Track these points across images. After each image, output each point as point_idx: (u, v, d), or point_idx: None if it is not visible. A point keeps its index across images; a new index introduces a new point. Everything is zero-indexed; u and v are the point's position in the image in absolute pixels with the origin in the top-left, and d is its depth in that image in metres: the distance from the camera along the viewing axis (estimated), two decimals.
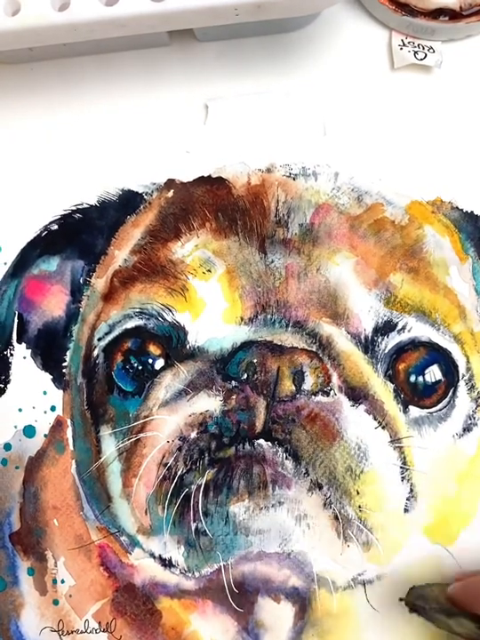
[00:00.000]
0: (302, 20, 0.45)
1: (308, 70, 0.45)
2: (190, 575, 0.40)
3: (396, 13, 0.43)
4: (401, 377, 0.40)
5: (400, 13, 0.43)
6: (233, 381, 0.39)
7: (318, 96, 0.45)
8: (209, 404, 0.39)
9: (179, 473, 0.39)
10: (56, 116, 0.46)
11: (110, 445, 0.41)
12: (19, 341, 0.43)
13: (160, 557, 0.40)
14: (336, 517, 0.39)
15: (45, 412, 0.42)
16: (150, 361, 0.41)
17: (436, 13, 0.43)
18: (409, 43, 0.44)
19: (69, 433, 0.42)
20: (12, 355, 0.43)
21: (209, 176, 0.44)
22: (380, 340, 0.41)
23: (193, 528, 0.40)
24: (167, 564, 0.40)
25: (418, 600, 0.38)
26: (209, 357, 0.40)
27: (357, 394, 0.40)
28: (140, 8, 0.37)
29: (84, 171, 0.44)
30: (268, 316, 0.41)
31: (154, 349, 0.41)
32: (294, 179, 0.43)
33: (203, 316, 0.41)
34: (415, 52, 0.44)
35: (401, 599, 0.39)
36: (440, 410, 0.40)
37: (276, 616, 0.39)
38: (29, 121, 0.46)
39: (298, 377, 0.39)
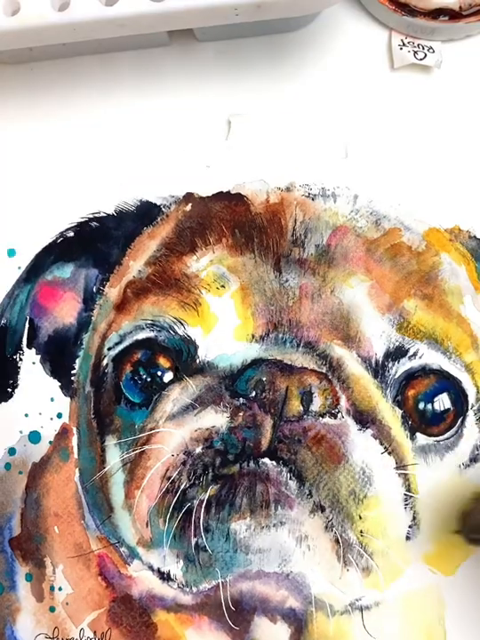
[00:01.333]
0: (302, 19, 0.45)
1: (307, 70, 0.45)
2: (188, 590, 0.40)
3: (396, 13, 0.43)
4: (410, 403, 0.40)
5: (400, 13, 0.43)
6: (241, 398, 0.39)
7: (318, 96, 0.45)
8: (216, 419, 0.39)
9: (182, 487, 0.39)
10: (56, 117, 0.45)
11: (115, 456, 0.41)
12: (29, 346, 0.43)
13: (159, 570, 0.40)
14: (337, 541, 0.39)
15: (51, 419, 0.42)
16: (159, 373, 0.41)
17: (436, 13, 0.43)
18: (409, 43, 0.44)
19: (75, 441, 0.42)
20: (21, 359, 0.43)
21: (228, 192, 0.44)
22: (390, 365, 0.41)
23: (193, 543, 0.39)
24: (165, 577, 0.40)
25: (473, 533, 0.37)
26: (218, 373, 0.40)
27: (365, 418, 0.40)
28: (139, 8, 0.37)
29: (103, 180, 0.44)
30: (280, 335, 0.41)
31: (163, 362, 0.41)
32: (313, 199, 0.43)
33: (214, 331, 0.41)
34: (415, 52, 0.44)
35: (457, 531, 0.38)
36: (447, 439, 0.40)
37: (272, 636, 0.39)
38: (29, 122, 0.46)
39: (306, 397, 0.39)
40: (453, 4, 0.42)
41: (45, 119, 0.46)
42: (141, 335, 0.42)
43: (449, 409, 0.40)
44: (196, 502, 0.39)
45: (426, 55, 0.43)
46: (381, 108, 0.44)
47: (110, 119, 0.45)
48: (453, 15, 0.43)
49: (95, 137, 0.45)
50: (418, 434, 0.40)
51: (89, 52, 0.45)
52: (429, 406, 0.40)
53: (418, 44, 0.44)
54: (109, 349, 0.42)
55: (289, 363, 0.40)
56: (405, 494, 0.39)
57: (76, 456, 0.42)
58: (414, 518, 0.39)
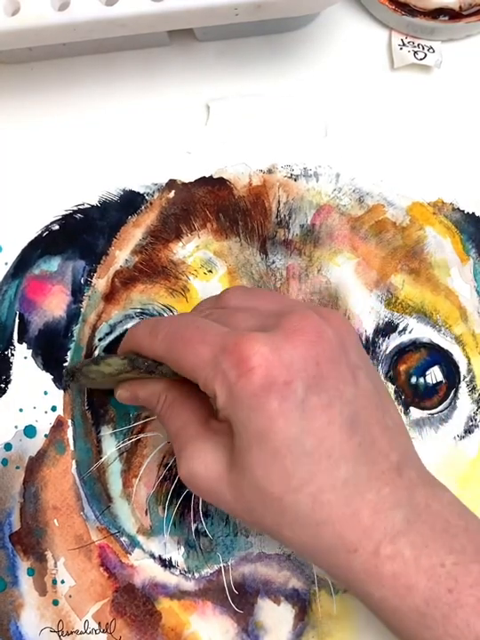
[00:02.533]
0: (302, 19, 0.45)
1: (307, 70, 0.45)
2: (190, 576, 0.40)
3: (396, 13, 0.43)
4: (402, 378, 0.40)
5: (400, 13, 0.43)
6: None
7: (318, 96, 0.45)
8: None
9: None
10: (56, 116, 0.45)
11: (111, 446, 0.41)
12: (19, 341, 0.43)
13: (160, 558, 0.40)
14: None
15: (46, 413, 0.42)
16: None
17: (436, 13, 0.43)
18: (409, 42, 0.44)
19: (70, 433, 0.42)
20: (12, 355, 0.43)
21: (210, 177, 0.44)
22: (380, 341, 0.41)
23: (193, 529, 0.40)
24: (167, 564, 0.40)
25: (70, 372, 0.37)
26: None
27: None
28: (139, 8, 0.37)
29: (85, 171, 0.44)
30: None
31: None
32: (295, 180, 0.43)
33: None
34: (415, 52, 0.44)
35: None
36: (441, 411, 0.40)
37: (276, 617, 0.39)
38: (29, 121, 0.46)
39: None
40: (453, 3, 0.43)
41: (44, 119, 0.46)
42: (131, 324, 0.42)
43: (441, 382, 0.40)
44: None
45: (426, 55, 0.44)
46: (381, 108, 0.45)
47: (109, 118, 0.45)
48: (453, 15, 0.43)
49: (75, 129, 0.45)
50: (411, 408, 0.40)
51: (89, 51, 0.46)
52: (421, 380, 0.40)
53: (418, 44, 0.44)
54: (100, 340, 0.42)
55: None
56: None
57: (72, 448, 0.42)
58: None
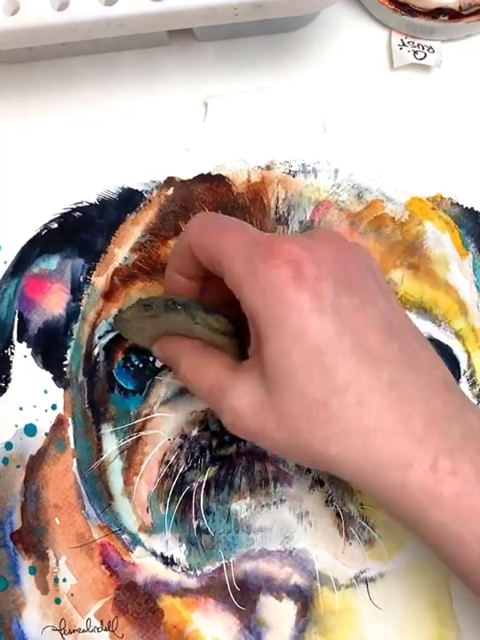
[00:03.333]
0: (302, 19, 0.45)
1: (307, 70, 0.45)
2: (192, 573, 0.40)
3: (396, 13, 0.43)
4: None
5: (399, 13, 0.43)
6: None
7: (318, 95, 0.45)
8: None
9: (180, 471, 0.39)
10: (54, 115, 0.46)
11: (111, 444, 0.41)
12: (19, 340, 0.43)
13: (162, 555, 0.40)
14: (338, 515, 0.39)
15: (46, 411, 0.42)
16: (151, 359, 0.41)
17: (436, 13, 0.43)
18: (408, 42, 0.44)
19: (70, 431, 0.42)
20: (12, 354, 0.43)
21: (209, 174, 0.44)
22: None
23: (194, 526, 0.40)
24: (169, 562, 0.40)
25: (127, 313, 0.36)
26: None
27: None
28: (139, 7, 0.37)
29: (84, 169, 0.44)
30: None
31: None
32: (294, 176, 0.43)
33: None
34: (415, 52, 0.44)
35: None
36: None
37: (279, 614, 0.39)
38: (28, 120, 0.46)
39: None
40: (453, 3, 0.43)
41: (43, 118, 0.46)
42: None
43: None
44: (195, 485, 0.39)
45: (426, 55, 0.44)
46: (381, 107, 0.45)
47: (107, 117, 0.45)
48: (453, 15, 0.43)
49: (74, 128, 0.45)
50: None
51: (88, 51, 0.46)
52: None
53: (418, 44, 0.44)
54: (100, 338, 0.42)
55: None
56: None
57: (72, 446, 0.42)
58: None
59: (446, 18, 0.43)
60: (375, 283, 0.31)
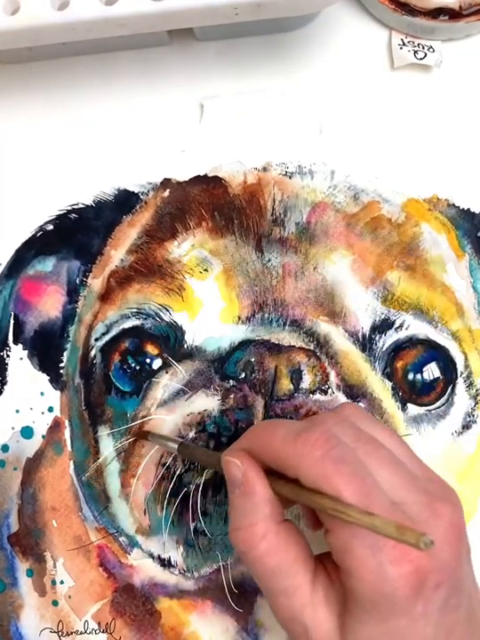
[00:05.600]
0: (302, 19, 0.45)
1: (307, 69, 0.45)
2: (189, 575, 0.40)
3: (396, 13, 0.43)
4: (399, 375, 0.40)
5: (400, 13, 0.43)
6: (231, 381, 0.39)
7: (317, 95, 0.45)
8: (207, 403, 0.39)
9: (177, 472, 0.39)
10: (51, 116, 0.45)
11: (108, 446, 0.41)
12: (15, 342, 0.43)
13: (159, 557, 0.40)
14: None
15: (43, 413, 0.42)
16: (148, 361, 0.41)
17: (436, 13, 0.43)
18: (409, 42, 0.44)
19: (67, 434, 0.42)
20: (8, 356, 0.43)
21: (205, 175, 0.44)
22: (377, 337, 0.41)
23: (192, 528, 0.40)
24: (166, 564, 0.40)
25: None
26: (207, 357, 0.40)
27: (355, 392, 0.40)
28: (139, 7, 0.37)
29: (80, 170, 0.44)
30: (266, 315, 0.41)
31: (151, 349, 0.41)
32: (290, 177, 0.43)
33: (200, 315, 0.41)
34: (415, 52, 0.44)
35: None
36: (439, 407, 0.40)
37: None
38: (27, 120, 0.46)
39: (296, 376, 0.39)
40: (453, 3, 0.43)
41: (39, 118, 0.46)
42: (128, 324, 0.42)
43: (438, 378, 0.40)
44: (192, 487, 0.39)
45: (426, 54, 0.44)
46: (381, 107, 0.44)
47: (104, 118, 0.45)
48: (453, 15, 0.43)
49: (71, 129, 0.45)
50: (409, 404, 0.40)
51: (88, 51, 0.45)
52: (419, 376, 0.40)
53: (418, 44, 0.44)
54: (96, 340, 0.42)
55: (276, 342, 0.40)
56: None
57: (69, 449, 0.42)
58: None
59: (446, 18, 0.43)
60: (467, 556, 0.31)
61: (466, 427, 0.40)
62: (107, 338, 0.42)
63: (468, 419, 0.40)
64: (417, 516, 0.29)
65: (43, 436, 0.42)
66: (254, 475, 0.31)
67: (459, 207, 0.43)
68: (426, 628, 0.29)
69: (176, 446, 0.38)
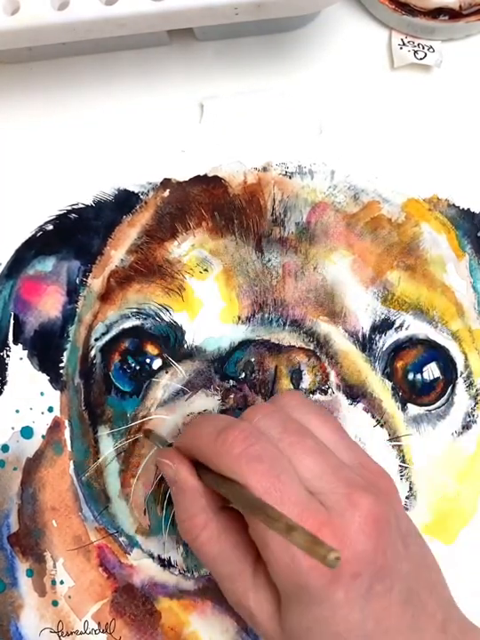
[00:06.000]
0: (302, 19, 0.45)
1: (307, 69, 0.45)
2: (189, 575, 0.40)
3: (396, 13, 0.43)
4: (399, 375, 0.40)
5: (400, 13, 0.43)
6: (231, 381, 0.39)
7: (317, 95, 0.45)
8: (207, 403, 0.39)
9: None
10: (51, 116, 0.45)
11: (108, 446, 0.41)
12: (15, 342, 0.43)
13: (159, 557, 0.40)
14: None
15: (43, 413, 0.42)
16: (148, 361, 0.41)
17: (436, 13, 0.43)
18: (409, 42, 0.44)
19: (67, 434, 0.42)
20: (8, 356, 0.43)
21: (205, 175, 0.44)
22: (377, 338, 0.41)
23: None
24: (166, 564, 0.40)
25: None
26: (207, 357, 0.40)
27: (355, 392, 0.40)
28: (139, 7, 0.37)
29: (80, 170, 0.44)
30: (266, 315, 0.41)
31: (151, 349, 0.41)
32: (290, 177, 0.43)
33: (200, 315, 0.41)
34: (415, 52, 0.44)
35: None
36: (439, 408, 0.40)
37: None
38: (27, 120, 0.46)
39: (295, 376, 0.39)
40: (453, 3, 0.43)
41: (39, 118, 0.46)
42: (128, 324, 0.42)
43: (438, 378, 0.40)
44: None
45: (426, 54, 0.44)
46: (381, 107, 0.44)
47: (104, 118, 0.45)
48: (453, 14, 0.43)
49: (71, 129, 0.45)
50: (409, 404, 0.40)
51: (88, 51, 0.45)
52: (419, 376, 0.40)
53: (418, 44, 0.44)
54: (96, 340, 0.42)
55: (276, 342, 0.40)
56: (400, 465, 0.39)
57: (69, 449, 0.42)
58: (411, 489, 0.39)
59: (446, 18, 0.43)
60: (400, 539, 0.31)
61: (466, 427, 0.40)
62: (107, 338, 0.42)
63: (468, 419, 0.40)
64: (334, 506, 0.30)
65: (43, 436, 0.42)
66: (185, 472, 0.33)
67: (459, 207, 0.43)
68: (351, 614, 0.29)
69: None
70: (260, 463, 0.30)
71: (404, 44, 0.44)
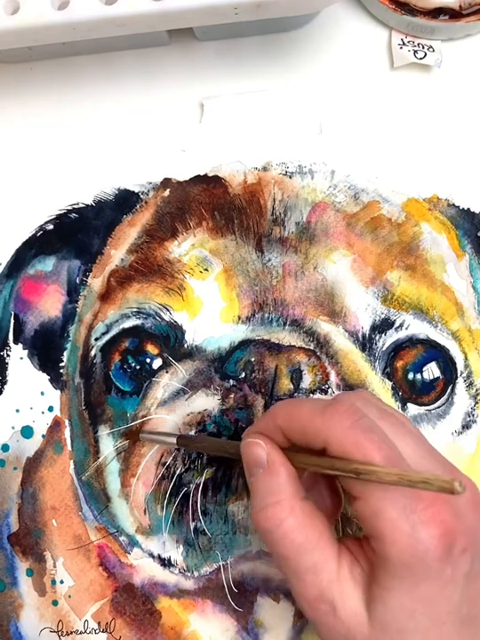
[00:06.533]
0: (302, 19, 0.45)
1: (307, 69, 0.45)
2: (189, 575, 0.40)
3: (396, 12, 0.43)
4: (399, 374, 0.40)
5: (400, 12, 0.43)
6: (231, 380, 0.39)
7: (317, 95, 0.45)
8: (207, 403, 0.39)
9: (177, 472, 0.39)
10: (54, 116, 0.46)
11: (108, 445, 0.41)
12: (15, 342, 0.43)
13: (159, 557, 0.40)
14: None
15: (43, 413, 0.42)
16: (148, 360, 0.41)
17: (436, 12, 0.43)
18: (409, 42, 0.44)
19: (67, 433, 0.42)
20: (8, 355, 0.43)
21: (205, 175, 0.44)
22: (377, 337, 0.41)
23: (192, 527, 0.40)
24: (166, 563, 0.40)
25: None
26: (207, 356, 0.40)
27: None
28: (139, 7, 0.37)
29: (80, 170, 0.44)
30: (266, 315, 0.41)
31: (151, 349, 0.41)
32: (291, 177, 0.43)
33: (200, 315, 0.41)
34: (415, 51, 0.44)
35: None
36: (439, 407, 0.40)
37: (276, 615, 0.39)
38: (26, 120, 0.46)
39: (296, 375, 0.39)
40: (453, 3, 0.43)
41: (40, 118, 0.46)
42: (128, 323, 0.42)
43: (438, 377, 0.40)
44: (192, 486, 0.39)
45: (426, 54, 0.44)
46: (381, 107, 0.44)
47: (104, 118, 0.45)
48: (453, 14, 0.43)
49: (72, 128, 0.45)
50: (409, 404, 0.40)
51: (88, 51, 0.46)
52: (419, 376, 0.40)
53: (418, 43, 0.44)
54: (97, 340, 0.42)
55: (276, 342, 0.40)
56: None
57: (69, 448, 0.42)
58: None
59: (446, 17, 0.43)
60: None
61: (466, 426, 0.40)
62: (107, 337, 0.42)
63: (468, 418, 0.40)
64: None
65: (43, 436, 0.42)
66: (277, 454, 0.32)
67: (459, 207, 0.43)
68: (453, 595, 0.29)
69: (174, 440, 0.38)
70: (374, 434, 0.30)
71: (403, 44, 0.44)
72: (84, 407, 0.42)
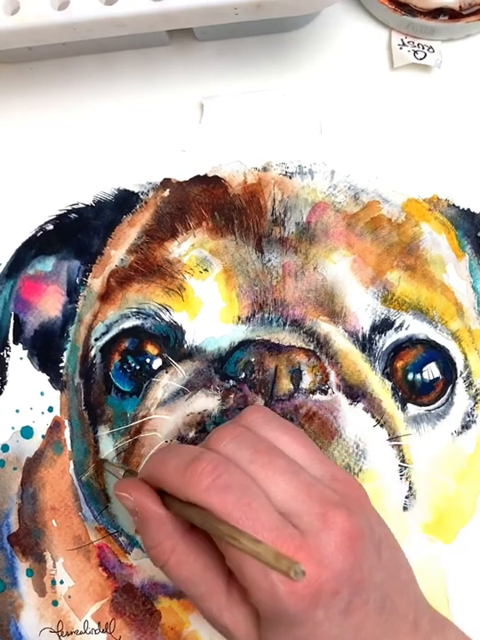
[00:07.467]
0: (302, 19, 0.45)
1: (307, 69, 0.45)
2: None
3: (396, 13, 0.43)
4: (399, 375, 0.40)
5: (400, 13, 0.43)
6: (231, 381, 0.39)
7: (317, 95, 0.45)
8: (207, 403, 0.39)
9: None
10: (51, 116, 0.45)
11: (108, 446, 0.41)
12: (15, 342, 0.43)
13: None
14: None
15: (43, 413, 0.42)
16: (148, 361, 0.41)
17: (436, 13, 0.43)
18: (408, 42, 0.44)
19: (67, 433, 0.42)
20: (8, 356, 0.43)
21: (205, 175, 0.44)
22: (377, 337, 0.41)
23: None
24: None
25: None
26: (207, 357, 0.40)
27: (355, 392, 0.40)
28: (139, 7, 0.37)
29: (80, 170, 0.44)
30: (266, 315, 0.41)
31: (151, 349, 0.41)
32: (291, 177, 0.43)
33: (200, 315, 0.41)
34: (415, 52, 0.44)
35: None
36: (438, 407, 0.40)
37: None
38: (26, 120, 0.46)
39: (295, 376, 0.39)
40: (453, 3, 0.43)
41: (39, 118, 0.46)
42: (128, 324, 0.42)
43: (438, 378, 0.40)
44: None
45: (426, 55, 0.44)
46: (381, 107, 0.44)
47: (104, 118, 0.45)
48: (453, 15, 0.43)
49: (71, 128, 0.45)
50: (409, 404, 0.40)
51: (88, 51, 0.46)
52: (418, 376, 0.40)
53: (418, 44, 0.44)
54: (96, 340, 0.42)
55: (276, 342, 0.40)
56: (400, 465, 0.39)
57: (69, 448, 0.42)
58: (410, 488, 0.39)
59: (446, 18, 0.43)
60: (374, 547, 0.31)
61: (465, 427, 0.40)
62: (107, 338, 0.42)
63: (468, 419, 0.40)
64: (309, 528, 0.30)
65: (43, 436, 0.42)
66: (148, 501, 0.32)
67: (459, 207, 0.43)
68: (330, 631, 0.30)
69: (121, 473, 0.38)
70: (229, 493, 0.29)
71: (403, 44, 0.44)
72: (83, 407, 0.42)
